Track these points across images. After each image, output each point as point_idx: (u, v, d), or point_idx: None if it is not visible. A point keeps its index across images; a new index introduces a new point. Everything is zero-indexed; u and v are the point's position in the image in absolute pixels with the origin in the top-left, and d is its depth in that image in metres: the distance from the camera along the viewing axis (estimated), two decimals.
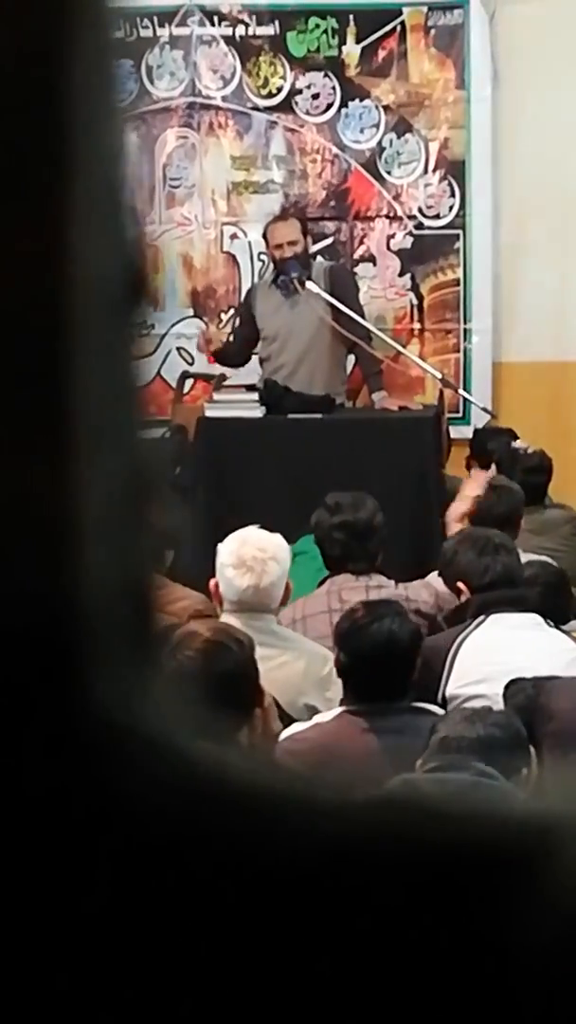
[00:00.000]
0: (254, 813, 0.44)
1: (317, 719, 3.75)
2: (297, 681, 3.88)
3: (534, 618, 4.22)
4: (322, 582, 4.78)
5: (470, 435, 6.99)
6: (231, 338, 7.15)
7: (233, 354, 7.02)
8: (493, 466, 6.00)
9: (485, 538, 4.42)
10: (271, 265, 7.03)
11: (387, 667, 3.60)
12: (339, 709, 3.67)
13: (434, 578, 4.98)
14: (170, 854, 0.43)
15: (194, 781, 0.45)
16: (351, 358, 7.03)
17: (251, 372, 7.02)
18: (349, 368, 7.10)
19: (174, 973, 0.42)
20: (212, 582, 4.08)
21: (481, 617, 4.20)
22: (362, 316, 6.84)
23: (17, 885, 0.42)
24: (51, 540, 0.44)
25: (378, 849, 0.43)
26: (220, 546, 4.14)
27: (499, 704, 3.73)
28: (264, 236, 6.99)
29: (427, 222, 7.64)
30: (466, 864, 0.43)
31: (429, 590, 4.70)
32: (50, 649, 0.44)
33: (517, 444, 6.33)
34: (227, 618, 3.97)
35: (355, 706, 3.60)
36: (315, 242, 7.28)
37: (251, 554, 4.01)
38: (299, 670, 3.97)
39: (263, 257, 7.30)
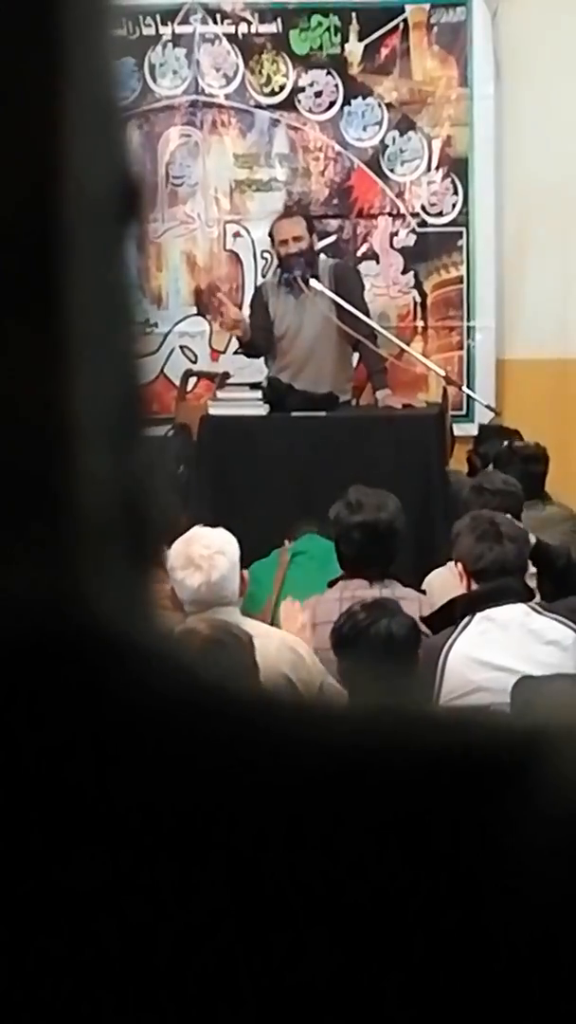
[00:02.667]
0: (256, 723, 0.44)
1: None
2: (273, 659, 3.90)
3: (522, 608, 4.21)
4: (333, 583, 4.69)
5: (474, 432, 6.99)
6: (247, 333, 7.13)
7: (259, 344, 6.99)
8: (491, 465, 6.00)
9: (489, 523, 4.37)
10: (275, 262, 7.03)
11: (387, 667, 3.59)
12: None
13: (440, 576, 4.97)
14: (172, 765, 0.43)
15: (196, 692, 0.45)
16: (356, 356, 7.03)
17: (255, 370, 7.02)
18: (354, 366, 7.10)
19: (180, 887, 0.42)
20: (167, 588, 4.10)
21: (467, 618, 4.19)
22: (367, 314, 6.84)
23: (21, 802, 0.42)
24: (48, 448, 0.44)
25: (375, 756, 0.44)
26: (168, 552, 4.17)
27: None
28: (270, 233, 7.00)
29: (430, 220, 7.64)
30: (461, 769, 0.43)
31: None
32: (49, 559, 0.44)
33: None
34: (190, 620, 4.00)
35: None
36: (319, 240, 7.27)
37: (197, 552, 4.04)
38: (272, 649, 3.99)
39: (266, 255, 7.30)
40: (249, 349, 7.04)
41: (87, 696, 0.44)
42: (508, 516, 4.55)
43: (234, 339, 7.42)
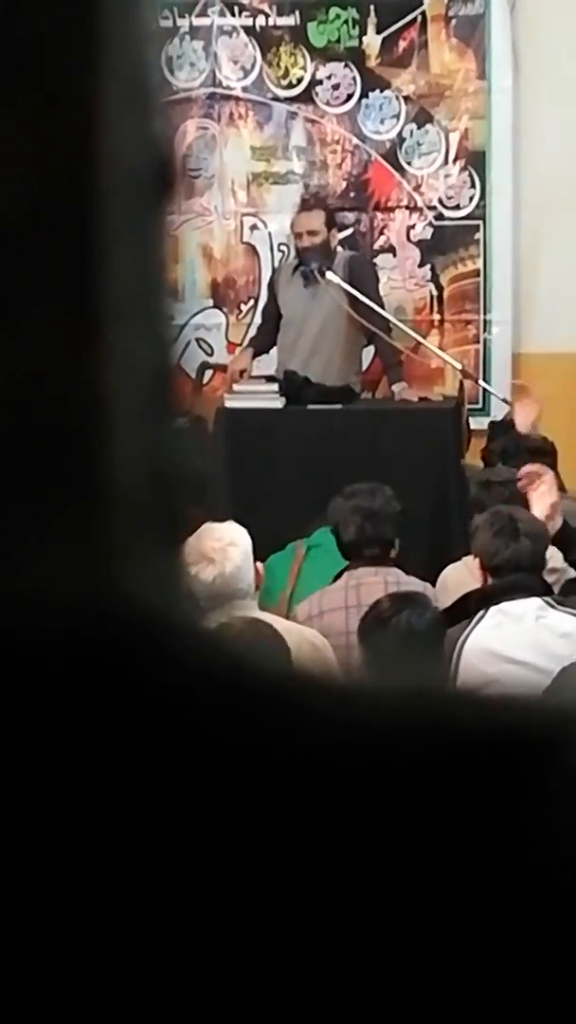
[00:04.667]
0: (286, 700, 0.45)
1: None
2: (291, 653, 3.90)
3: (537, 602, 4.21)
4: (339, 574, 4.75)
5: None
6: (258, 322, 7.12)
7: (268, 334, 6.98)
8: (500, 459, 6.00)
9: (508, 519, 4.37)
10: (293, 252, 7.03)
11: (410, 660, 3.60)
12: None
13: (455, 570, 4.97)
14: (201, 741, 0.43)
15: (226, 669, 0.45)
16: (370, 349, 7.02)
17: (270, 362, 7.01)
18: (368, 359, 7.10)
19: (209, 862, 0.42)
20: None
21: (482, 612, 4.20)
22: (382, 307, 6.84)
23: (54, 775, 0.42)
24: (83, 430, 0.44)
25: (408, 735, 0.44)
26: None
27: None
28: (291, 225, 7.01)
29: (447, 213, 7.63)
30: (495, 748, 0.44)
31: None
32: (84, 542, 0.44)
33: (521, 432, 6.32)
34: (208, 615, 4.01)
35: None
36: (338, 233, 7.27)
37: (209, 546, 4.05)
38: (290, 643, 3.99)
39: (283, 248, 7.30)
40: (257, 348, 7.04)
41: (129, 680, 0.44)
42: (526, 514, 4.54)
43: (252, 334, 7.43)
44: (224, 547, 4.08)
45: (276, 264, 7.54)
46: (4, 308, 0.43)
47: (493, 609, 4.21)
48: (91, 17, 0.44)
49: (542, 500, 4.94)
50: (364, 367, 7.17)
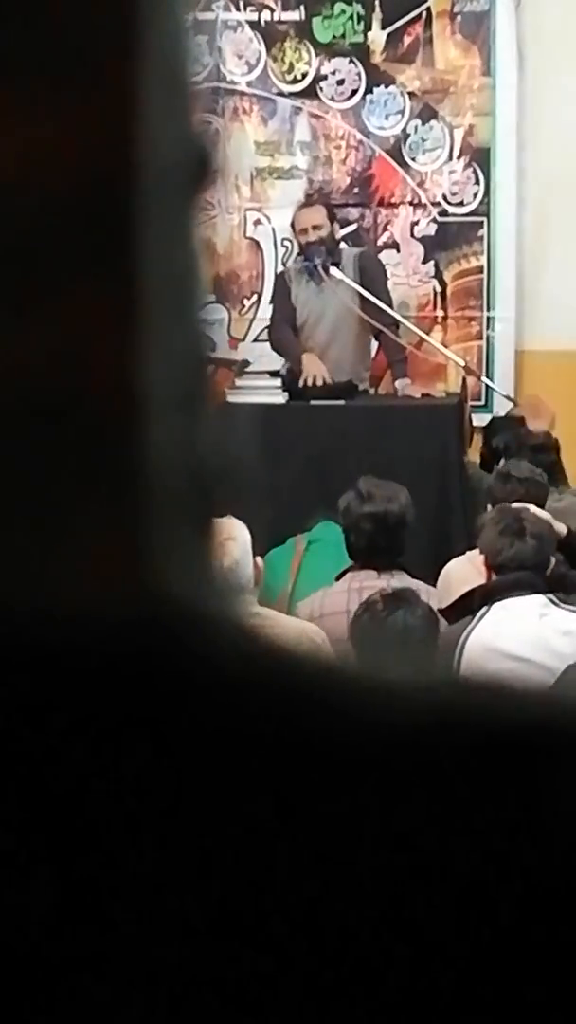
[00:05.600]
0: (326, 696, 0.44)
1: None
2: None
3: (540, 600, 4.21)
4: (342, 574, 4.69)
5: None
6: (267, 320, 7.11)
7: (285, 339, 6.96)
8: (502, 455, 5.99)
9: (514, 518, 4.37)
10: (296, 250, 7.03)
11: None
12: None
13: (457, 566, 4.97)
14: (235, 738, 0.43)
15: (262, 661, 0.45)
16: (375, 345, 7.02)
17: (274, 358, 7.01)
18: (373, 355, 7.10)
19: (244, 858, 0.42)
20: None
21: (484, 608, 4.20)
22: (390, 304, 6.84)
23: (115, 785, 0.42)
24: (120, 413, 0.44)
25: (450, 729, 0.44)
26: None
27: None
28: (292, 222, 7.00)
29: (451, 209, 7.62)
30: (538, 744, 0.44)
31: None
32: (115, 523, 0.44)
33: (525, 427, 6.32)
34: None
35: None
36: (340, 228, 7.27)
37: None
38: (291, 640, 3.99)
39: (286, 243, 7.29)
40: (273, 344, 7.03)
41: (172, 677, 0.43)
42: (534, 510, 4.53)
43: (254, 329, 7.43)
44: (223, 541, 4.07)
45: (280, 259, 7.54)
46: (44, 295, 0.43)
47: (496, 606, 4.21)
48: (132, 5, 0.44)
49: None
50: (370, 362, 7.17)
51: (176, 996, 0.41)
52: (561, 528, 4.82)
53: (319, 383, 6.61)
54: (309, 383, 6.62)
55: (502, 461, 5.87)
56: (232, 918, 0.41)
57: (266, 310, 7.27)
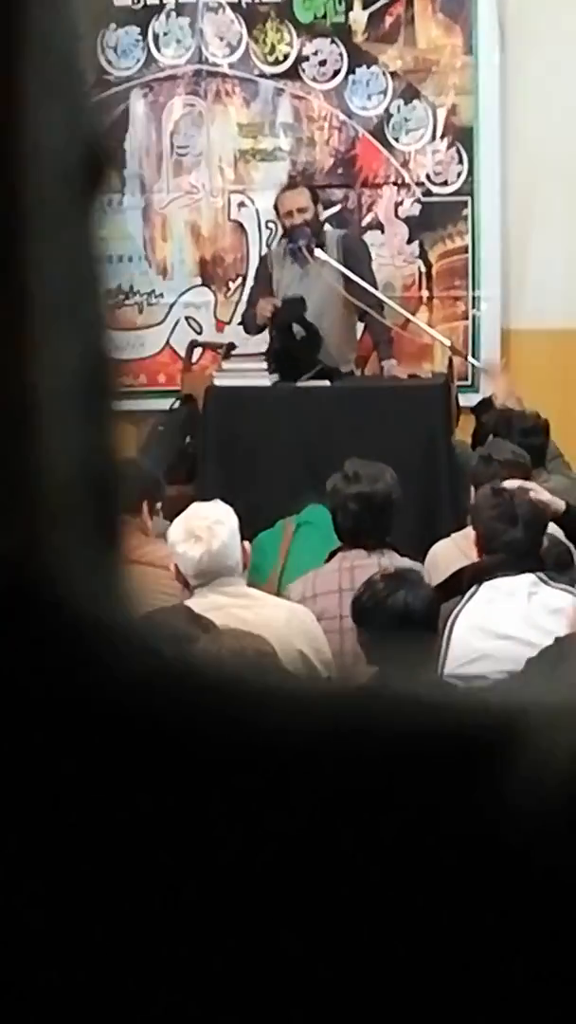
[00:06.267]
0: (228, 704, 0.44)
1: None
2: (283, 631, 3.92)
3: (530, 578, 4.22)
4: (331, 555, 4.70)
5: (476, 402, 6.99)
6: (248, 305, 7.10)
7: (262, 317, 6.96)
8: (490, 436, 5.99)
9: (508, 503, 4.36)
10: (280, 232, 7.01)
11: (406, 638, 3.59)
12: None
13: (444, 546, 4.98)
14: (139, 748, 0.43)
15: (164, 672, 0.45)
16: (360, 326, 7.02)
17: (260, 341, 7.01)
18: (359, 336, 7.10)
19: (156, 868, 0.42)
20: (172, 566, 4.13)
21: (474, 588, 4.21)
22: (374, 285, 6.83)
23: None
24: (10, 423, 0.43)
25: (357, 737, 0.44)
26: (168, 532, 4.22)
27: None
28: (275, 205, 6.99)
29: (435, 189, 7.61)
30: (444, 751, 0.44)
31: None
32: (11, 538, 0.43)
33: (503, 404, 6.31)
34: (197, 593, 4.03)
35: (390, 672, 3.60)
36: (323, 210, 7.26)
37: (196, 524, 4.09)
38: (282, 621, 4.01)
39: (271, 225, 7.28)
40: (248, 326, 7.02)
41: (50, 678, 0.43)
42: (530, 486, 4.50)
43: (240, 311, 7.41)
44: (210, 525, 4.10)
45: (265, 241, 7.53)
46: None
47: (486, 585, 4.22)
48: (10, 3, 0.43)
49: None
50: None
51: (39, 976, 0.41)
52: (559, 504, 4.82)
53: (267, 314, 6.62)
54: (259, 322, 6.66)
55: (489, 439, 5.87)
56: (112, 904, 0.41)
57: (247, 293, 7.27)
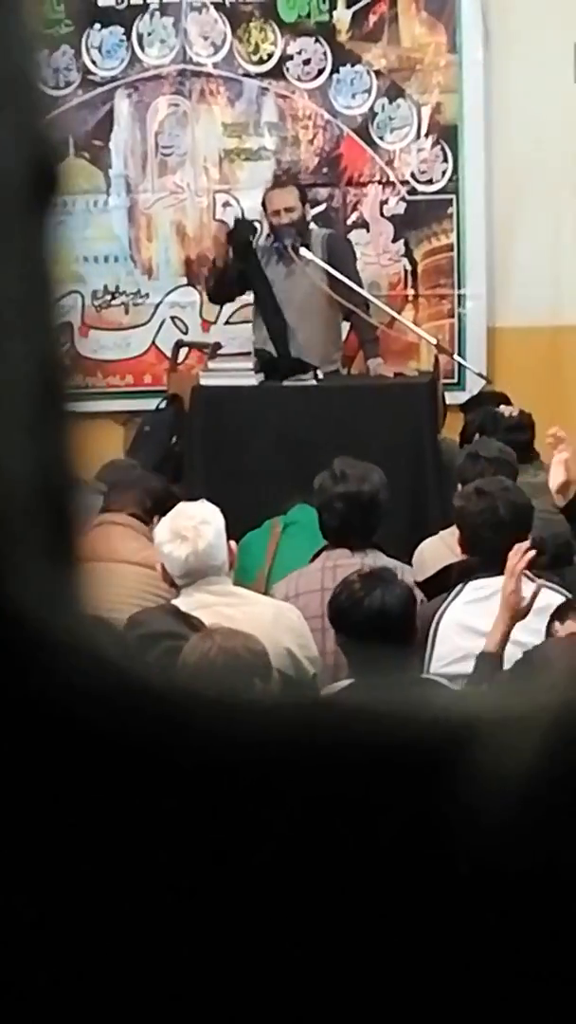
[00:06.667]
0: (173, 714, 0.44)
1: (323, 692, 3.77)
2: (270, 629, 3.92)
3: None
4: (317, 554, 4.68)
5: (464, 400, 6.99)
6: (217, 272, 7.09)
7: (227, 284, 6.97)
8: (476, 434, 5.99)
9: (493, 506, 4.33)
10: (267, 231, 7.01)
11: (384, 639, 3.59)
12: (346, 682, 3.67)
13: (432, 544, 4.98)
14: (85, 755, 0.43)
15: (115, 683, 0.45)
16: (346, 325, 7.02)
17: (245, 340, 7.01)
18: (344, 335, 7.10)
19: (101, 873, 0.42)
20: (158, 566, 4.14)
21: (459, 587, 4.20)
22: (359, 284, 6.83)
23: None
24: None
25: (307, 747, 0.44)
26: (154, 531, 4.22)
27: None
28: (263, 203, 6.99)
29: (420, 187, 7.62)
30: (394, 759, 0.44)
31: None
32: None
33: (501, 409, 6.32)
34: (184, 592, 4.03)
35: (360, 680, 3.59)
36: (310, 209, 7.26)
37: (182, 524, 4.10)
38: (268, 618, 4.02)
39: (256, 224, 7.27)
40: (212, 292, 7.04)
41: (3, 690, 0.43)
42: (511, 493, 4.48)
43: (226, 311, 7.42)
44: (196, 525, 4.10)
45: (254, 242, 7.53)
46: None
47: (471, 584, 4.22)
48: None
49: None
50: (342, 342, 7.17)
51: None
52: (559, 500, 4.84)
53: (222, 240, 6.80)
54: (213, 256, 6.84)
55: (475, 437, 5.88)
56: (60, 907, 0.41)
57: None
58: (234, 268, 6.77)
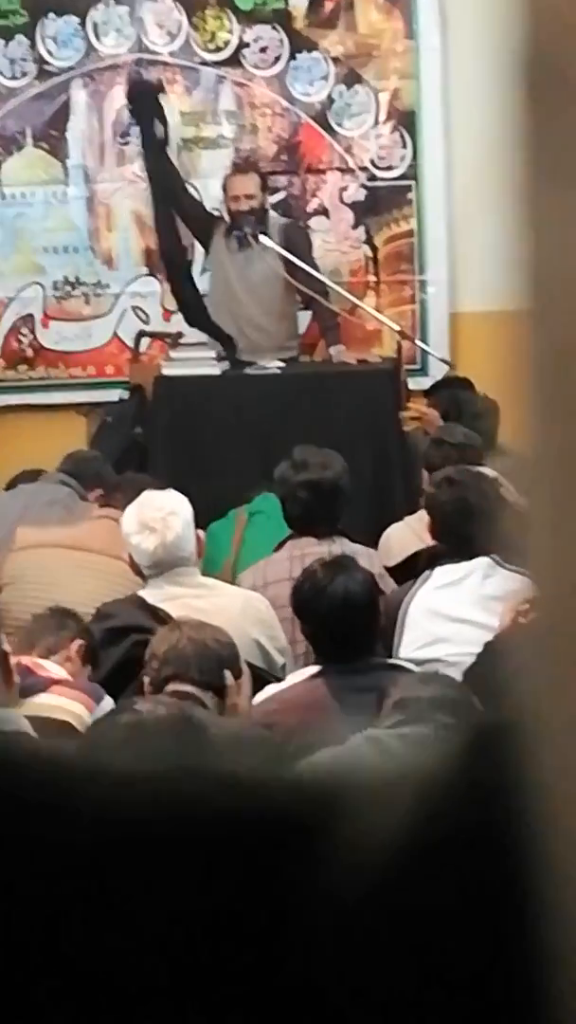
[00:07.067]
0: (28, 783, 0.44)
1: (291, 679, 3.77)
2: (238, 620, 3.92)
3: (485, 562, 4.21)
4: (282, 543, 4.69)
5: (428, 386, 6.99)
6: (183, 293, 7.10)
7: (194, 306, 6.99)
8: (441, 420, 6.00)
9: (461, 500, 4.31)
10: (225, 216, 7.00)
11: (348, 625, 3.59)
12: (312, 669, 3.68)
13: (398, 530, 4.98)
14: None
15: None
16: (307, 313, 7.02)
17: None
18: (305, 323, 7.10)
19: None
20: (126, 554, 4.12)
21: (427, 572, 4.20)
22: (317, 271, 6.83)
23: None
24: None
25: (164, 816, 0.44)
26: (123, 517, 4.19)
27: (456, 665, 3.77)
28: (223, 187, 6.98)
29: (379, 173, 7.61)
30: (250, 830, 0.43)
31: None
32: None
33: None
34: (152, 583, 4.02)
35: (325, 666, 3.60)
36: (269, 196, 7.25)
37: (150, 515, 4.07)
38: (237, 609, 4.01)
39: (216, 211, 7.25)
40: (187, 316, 7.06)
41: None
42: (482, 481, 4.44)
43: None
44: (165, 516, 4.08)
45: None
46: None
47: (440, 569, 4.22)
48: None
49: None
50: (302, 331, 7.17)
51: None
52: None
53: None
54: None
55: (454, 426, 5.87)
56: None
57: (199, 281, 7.24)
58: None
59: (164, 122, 7.08)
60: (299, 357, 7.02)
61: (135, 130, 7.47)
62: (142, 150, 7.03)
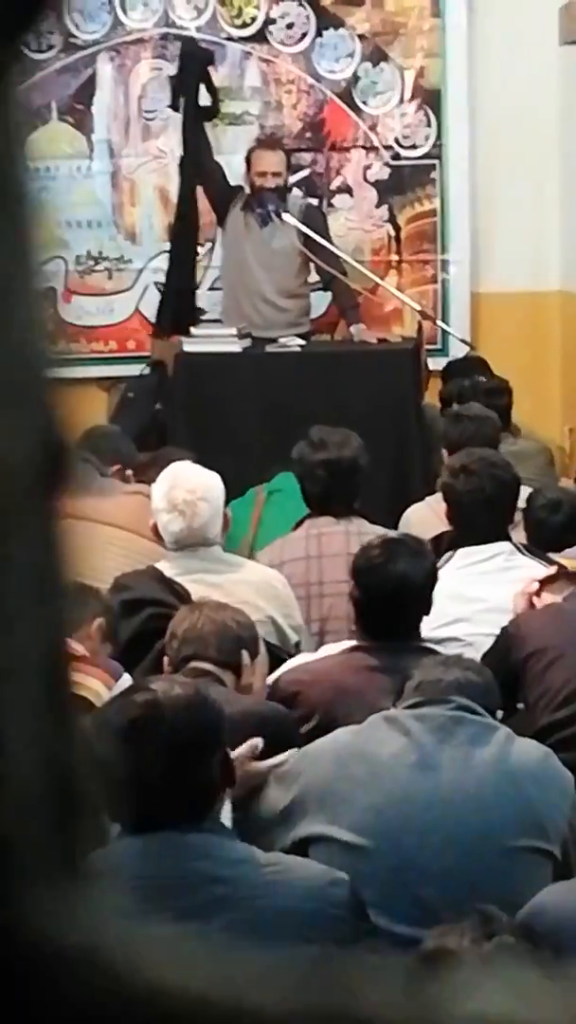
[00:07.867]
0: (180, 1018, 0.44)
1: (324, 651, 3.76)
2: (252, 597, 3.92)
3: (506, 547, 4.22)
4: (300, 523, 4.68)
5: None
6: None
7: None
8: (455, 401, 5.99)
9: (478, 490, 4.29)
10: (248, 191, 6.99)
11: (398, 607, 3.56)
12: (349, 643, 3.67)
13: (419, 510, 4.98)
14: None
15: (124, 997, 0.44)
16: (326, 294, 7.02)
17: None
18: (323, 303, 7.10)
19: None
20: (151, 523, 4.11)
21: (449, 553, 4.21)
22: (334, 255, 6.84)
23: None
24: None
25: None
26: (154, 486, 4.17)
27: (472, 645, 3.77)
28: (247, 159, 6.97)
29: (403, 152, 7.59)
30: None
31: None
32: None
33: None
34: (171, 556, 4.02)
35: (366, 642, 3.58)
36: (292, 174, 7.25)
37: (181, 497, 4.03)
38: (253, 587, 4.02)
39: (239, 187, 7.24)
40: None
41: (17, 1011, 0.42)
42: (497, 469, 4.42)
43: (209, 276, 7.40)
44: (195, 500, 4.04)
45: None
46: None
47: (462, 551, 4.22)
48: None
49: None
50: (322, 311, 7.17)
51: None
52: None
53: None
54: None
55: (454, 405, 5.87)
56: None
57: (205, 258, 7.25)
58: None
59: (213, 91, 7.08)
60: (312, 334, 7.01)
61: (162, 105, 7.47)
62: (183, 117, 7.02)
